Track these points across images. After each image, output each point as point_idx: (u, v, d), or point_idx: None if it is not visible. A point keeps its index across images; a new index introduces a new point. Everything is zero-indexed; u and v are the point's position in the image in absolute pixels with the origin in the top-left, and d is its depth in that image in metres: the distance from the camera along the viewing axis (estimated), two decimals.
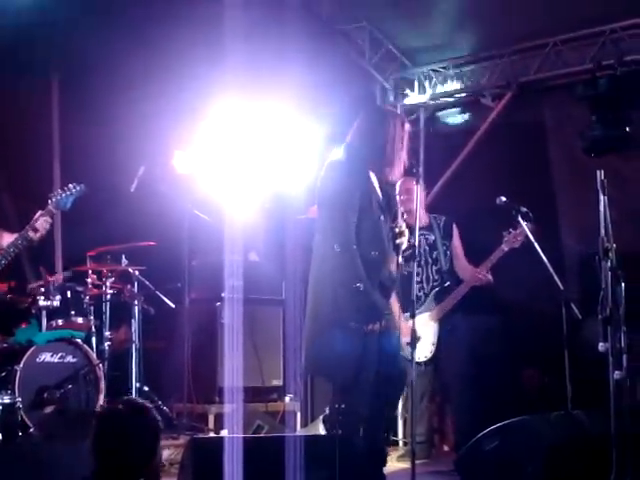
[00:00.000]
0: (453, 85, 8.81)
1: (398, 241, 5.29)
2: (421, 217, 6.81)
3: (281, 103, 7.93)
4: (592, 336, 5.16)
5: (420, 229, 6.72)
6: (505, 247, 6.75)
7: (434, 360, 6.89)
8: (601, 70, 7.75)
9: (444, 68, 8.82)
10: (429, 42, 8.49)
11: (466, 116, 8.89)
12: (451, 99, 8.94)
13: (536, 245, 6.35)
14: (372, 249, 5.15)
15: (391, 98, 9.10)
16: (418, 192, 5.52)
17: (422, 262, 6.90)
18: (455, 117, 9.01)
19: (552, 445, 4.98)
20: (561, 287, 6.21)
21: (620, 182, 7.31)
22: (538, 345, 7.74)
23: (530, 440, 5.01)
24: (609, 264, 5.09)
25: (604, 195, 5.17)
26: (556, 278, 6.23)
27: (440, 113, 9.07)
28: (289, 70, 8.24)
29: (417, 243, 5.37)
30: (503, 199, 6.40)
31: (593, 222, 5.22)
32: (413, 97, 9.08)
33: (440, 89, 8.89)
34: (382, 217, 5.24)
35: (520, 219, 6.38)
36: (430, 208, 8.12)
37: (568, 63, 8.03)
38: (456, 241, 7.08)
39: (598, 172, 5.19)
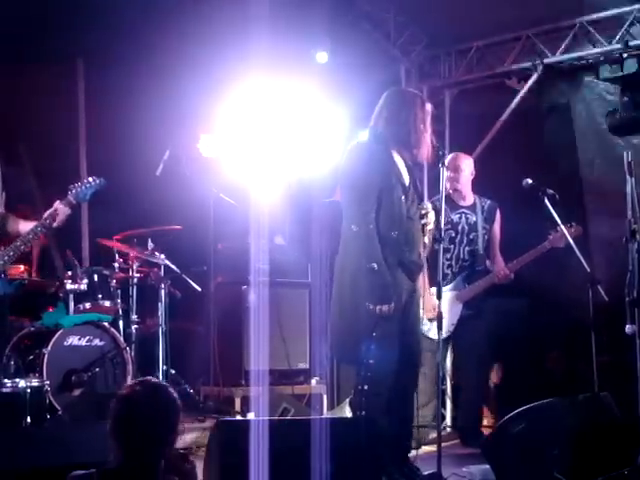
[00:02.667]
0: (479, 67, 8.76)
1: (423, 221, 5.30)
2: (466, 196, 6.85)
3: (306, 86, 7.92)
4: None
5: (463, 208, 6.80)
6: (547, 245, 6.68)
7: (449, 341, 6.84)
8: (628, 50, 7.68)
9: (469, 49, 8.76)
10: (454, 23, 8.43)
11: (492, 98, 8.82)
12: (477, 81, 8.88)
13: (563, 227, 6.33)
14: (392, 229, 5.19)
15: (416, 80, 9.05)
16: (444, 175, 5.50)
17: (456, 240, 6.83)
18: (481, 99, 8.94)
19: (579, 428, 4.96)
20: (588, 269, 6.18)
21: None
22: (564, 328, 7.72)
23: (557, 423, 5.00)
24: (636, 246, 5.07)
25: (631, 176, 5.14)
26: (583, 260, 6.20)
27: (465, 95, 9.01)
28: (314, 53, 8.24)
29: (442, 224, 5.37)
30: (529, 181, 6.37)
31: (620, 204, 5.20)
32: (438, 79, 9.03)
33: (465, 71, 8.83)
34: (403, 198, 5.25)
35: (547, 201, 6.33)
36: None
37: (595, 44, 7.95)
38: (496, 227, 6.99)
39: (625, 153, 5.16)
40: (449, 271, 6.82)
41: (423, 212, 5.35)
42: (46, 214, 5.70)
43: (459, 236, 6.85)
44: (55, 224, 5.68)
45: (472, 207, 6.93)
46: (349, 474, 4.44)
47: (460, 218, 6.86)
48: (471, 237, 6.86)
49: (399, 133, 5.35)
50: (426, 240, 5.34)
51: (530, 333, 7.99)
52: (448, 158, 6.91)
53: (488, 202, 6.99)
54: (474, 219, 6.87)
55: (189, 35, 7.56)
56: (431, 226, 5.35)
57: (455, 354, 7.21)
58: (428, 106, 5.48)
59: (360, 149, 5.39)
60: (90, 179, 5.85)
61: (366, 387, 5.19)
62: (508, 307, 7.90)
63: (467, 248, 6.86)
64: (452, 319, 6.76)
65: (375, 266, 5.10)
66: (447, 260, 6.79)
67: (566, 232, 6.41)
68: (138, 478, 3.21)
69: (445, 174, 5.57)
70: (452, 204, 6.85)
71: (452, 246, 6.84)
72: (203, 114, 8.00)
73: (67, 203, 5.69)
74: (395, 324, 5.22)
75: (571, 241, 6.31)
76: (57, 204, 5.69)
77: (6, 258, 5.55)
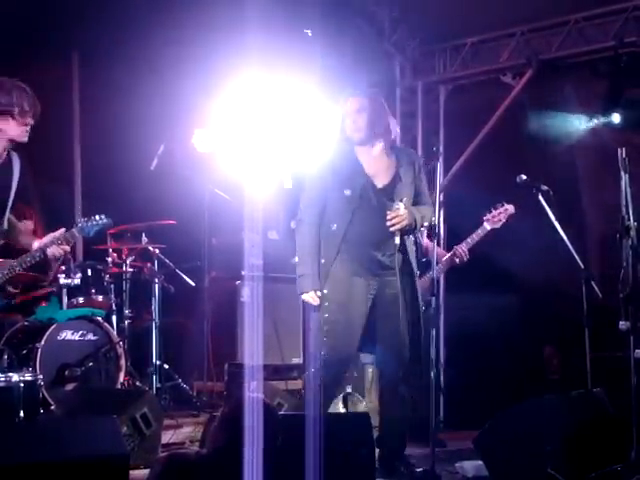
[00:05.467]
0: (473, 63, 8.75)
1: (388, 223, 5.32)
2: None
3: (301, 82, 7.91)
4: None
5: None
6: (487, 226, 6.69)
7: None
8: (623, 47, 7.68)
9: (464, 45, 8.76)
10: (449, 19, 8.43)
11: (487, 94, 8.82)
12: (472, 77, 8.87)
13: (556, 224, 6.32)
14: (331, 223, 5.40)
15: (411, 76, 9.05)
16: (438, 169, 5.54)
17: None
18: (475, 95, 8.94)
19: (572, 423, 4.97)
20: (582, 266, 6.19)
21: None
22: (558, 324, 7.73)
23: (550, 419, 5.00)
24: (630, 242, 5.07)
25: (625, 173, 5.15)
26: (577, 257, 6.21)
27: (460, 91, 9.01)
28: (308, 49, 8.23)
29: (436, 219, 5.43)
30: (523, 177, 6.36)
31: (614, 200, 5.20)
32: (433, 75, 9.03)
33: (460, 67, 8.83)
34: (348, 194, 5.37)
35: (541, 197, 6.34)
36: (450, 186, 8.11)
37: (590, 40, 7.96)
38: None
39: (619, 150, 5.17)
40: None
41: (391, 213, 5.35)
42: (48, 239, 5.59)
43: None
44: (57, 254, 5.58)
45: None
46: (342, 470, 4.44)
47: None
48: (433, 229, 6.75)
49: (341, 132, 5.58)
50: (397, 240, 5.33)
51: (524, 329, 7.99)
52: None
53: None
54: None
55: (184, 29, 7.54)
56: (401, 225, 5.32)
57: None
58: (348, 102, 5.58)
59: (319, 153, 5.76)
60: (98, 217, 5.78)
61: (312, 370, 5.42)
62: (499, 303, 7.91)
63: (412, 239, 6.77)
64: None
65: (296, 259, 5.42)
66: None
67: (500, 210, 6.65)
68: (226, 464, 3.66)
69: (437, 168, 5.66)
70: None
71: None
72: (198, 109, 7.98)
73: (71, 236, 5.61)
74: (338, 314, 5.33)
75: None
76: (61, 232, 5.60)
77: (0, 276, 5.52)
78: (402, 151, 5.71)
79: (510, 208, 6.67)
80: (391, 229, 5.33)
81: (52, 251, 5.49)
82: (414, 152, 6.07)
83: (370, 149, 5.52)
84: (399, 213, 5.32)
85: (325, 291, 5.36)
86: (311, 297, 5.37)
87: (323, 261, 5.37)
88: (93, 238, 5.95)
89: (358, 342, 5.41)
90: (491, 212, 6.70)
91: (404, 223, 5.32)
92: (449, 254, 6.75)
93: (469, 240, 6.73)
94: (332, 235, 5.37)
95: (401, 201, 5.35)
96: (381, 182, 5.45)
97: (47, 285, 7.00)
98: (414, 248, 5.54)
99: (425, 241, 6.85)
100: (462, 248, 6.71)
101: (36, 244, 5.55)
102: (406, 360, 5.42)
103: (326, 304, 5.36)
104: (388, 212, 5.32)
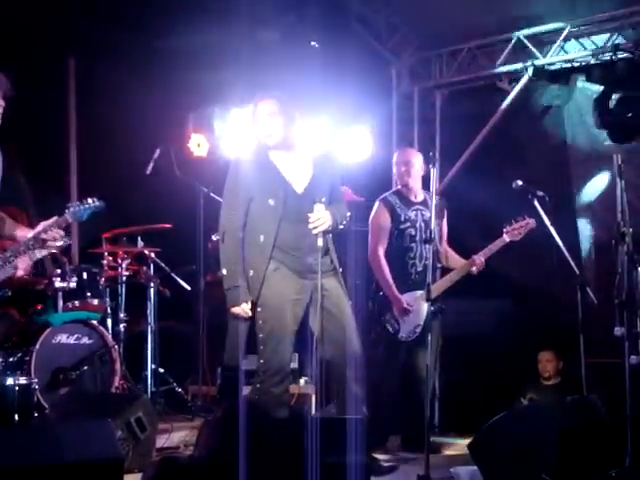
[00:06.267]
0: (469, 68, 8.76)
1: (311, 226, 5.30)
2: (417, 192, 6.77)
3: (296, 87, 7.91)
4: None
5: (416, 204, 6.72)
6: (506, 238, 6.67)
7: (416, 343, 6.58)
8: (618, 53, 7.68)
9: (461, 51, 8.77)
10: (445, 25, 8.44)
11: (483, 99, 8.82)
12: (468, 82, 8.88)
13: (552, 229, 6.33)
14: (257, 234, 5.32)
15: (407, 82, 9.05)
16: (434, 175, 5.53)
17: (417, 238, 6.66)
18: (472, 101, 8.94)
19: (567, 429, 4.97)
20: (577, 272, 6.20)
21: (637, 166, 7.26)
22: (553, 330, 7.73)
23: (545, 424, 5.01)
24: (625, 248, 5.08)
25: (621, 179, 5.16)
26: (572, 263, 6.22)
27: (457, 97, 9.01)
28: (304, 54, 8.24)
29: (433, 224, 5.43)
30: (519, 183, 6.37)
31: (610, 206, 5.22)
32: (429, 81, 9.03)
33: (456, 72, 8.83)
34: (273, 203, 5.31)
35: (536, 203, 6.34)
36: (445, 192, 8.10)
37: (585, 46, 7.97)
38: (445, 223, 6.90)
39: (615, 156, 5.18)
40: (413, 270, 6.69)
41: (313, 215, 5.32)
42: (40, 227, 5.60)
43: (418, 233, 6.67)
44: (46, 243, 5.57)
45: (424, 203, 6.75)
46: (337, 472, 4.44)
47: (416, 215, 6.72)
48: (429, 234, 6.76)
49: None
50: (320, 242, 5.31)
51: (519, 334, 7.99)
52: (396, 153, 6.92)
53: (436, 198, 6.96)
54: (428, 215, 6.63)
55: (181, 34, 7.55)
56: (325, 227, 5.31)
57: (417, 355, 6.63)
58: (258, 105, 5.54)
59: (236, 162, 5.54)
60: (90, 200, 5.76)
61: (258, 385, 5.36)
62: (495, 309, 7.91)
63: (427, 245, 6.76)
64: (418, 320, 6.59)
65: (224, 272, 5.35)
66: (411, 259, 6.71)
67: (522, 224, 6.58)
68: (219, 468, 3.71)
69: (433, 174, 5.65)
70: (406, 201, 6.76)
71: (414, 244, 6.67)
72: (194, 113, 7.99)
73: (63, 221, 5.61)
74: (274, 322, 5.30)
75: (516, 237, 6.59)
76: (53, 220, 5.59)
77: None
78: (315, 150, 5.71)
79: (531, 222, 6.59)
80: (314, 231, 5.29)
81: (46, 237, 5.48)
82: (326, 151, 6.01)
83: (285, 153, 5.48)
84: (320, 215, 5.31)
85: (259, 301, 5.32)
86: (242, 309, 5.33)
87: (252, 273, 5.30)
88: (86, 223, 5.92)
89: (292, 348, 5.44)
90: (511, 224, 6.63)
91: (327, 224, 5.32)
92: (466, 262, 6.74)
93: (487, 251, 6.70)
94: (261, 246, 5.30)
95: (321, 202, 5.35)
96: (301, 186, 5.41)
97: (42, 288, 7.01)
98: (334, 247, 5.53)
99: (444, 247, 6.88)
100: (480, 258, 6.71)
101: (30, 234, 5.54)
102: (350, 359, 5.40)
103: (260, 313, 5.32)
104: (309, 215, 5.30)
